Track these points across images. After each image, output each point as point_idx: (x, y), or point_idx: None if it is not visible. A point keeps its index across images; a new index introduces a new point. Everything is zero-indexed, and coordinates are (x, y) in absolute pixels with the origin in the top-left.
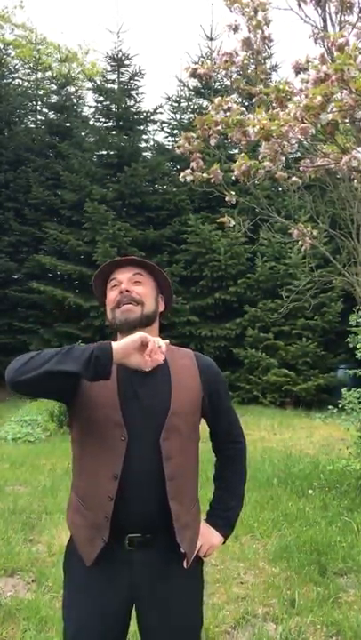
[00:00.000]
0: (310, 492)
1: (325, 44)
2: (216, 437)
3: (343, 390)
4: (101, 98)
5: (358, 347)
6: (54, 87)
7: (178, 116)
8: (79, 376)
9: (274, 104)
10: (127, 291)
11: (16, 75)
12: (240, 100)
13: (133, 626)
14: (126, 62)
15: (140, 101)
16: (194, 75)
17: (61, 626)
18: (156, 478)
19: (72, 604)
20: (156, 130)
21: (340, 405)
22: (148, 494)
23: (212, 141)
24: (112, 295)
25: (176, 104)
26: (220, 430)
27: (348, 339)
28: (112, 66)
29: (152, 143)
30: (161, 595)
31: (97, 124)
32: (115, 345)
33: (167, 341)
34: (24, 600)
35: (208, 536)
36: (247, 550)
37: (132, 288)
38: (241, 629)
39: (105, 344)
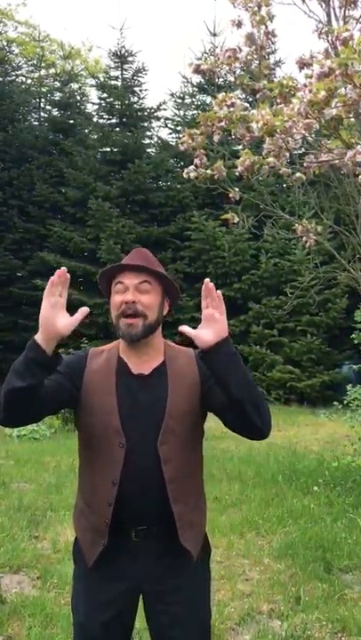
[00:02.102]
0: (315, 488)
1: (329, 38)
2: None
3: (348, 387)
4: (105, 95)
5: None
6: (57, 84)
7: (181, 113)
8: (35, 386)
9: (278, 100)
10: (133, 302)
11: (19, 72)
12: (244, 96)
13: (138, 624)
14: (129, 59)
15: (143, 98)
16: (197, 71)
17: (66, 622)
18: (157, 482)
19: (79, 593)
20: (160, 126)
21: (344, 402)
22: (148, 498)
23: (216, 138)
24: (117, 300)
25: (180, 100)
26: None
27: (353, 335)
28: (115, 62)
29: (155, 140)
30: (168, 586)
31: (100, 120)
32: (36, 336)
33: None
34: (29, 597)
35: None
36: (252, 547)
37: (138, 298)
38: (246, 626)
39: (30, 343)
